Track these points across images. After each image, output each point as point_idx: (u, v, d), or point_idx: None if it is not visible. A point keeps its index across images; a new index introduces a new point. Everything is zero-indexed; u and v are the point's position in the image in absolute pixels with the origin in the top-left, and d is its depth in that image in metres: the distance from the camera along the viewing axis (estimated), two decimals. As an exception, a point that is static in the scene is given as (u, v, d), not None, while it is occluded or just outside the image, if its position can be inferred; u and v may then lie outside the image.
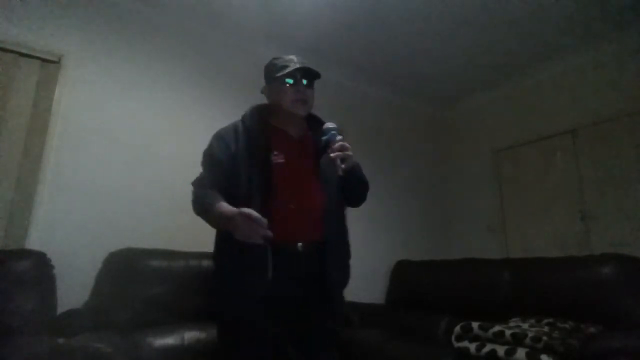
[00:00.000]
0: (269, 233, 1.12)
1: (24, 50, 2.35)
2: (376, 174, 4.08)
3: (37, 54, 2.39)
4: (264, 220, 1.11)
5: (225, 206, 1.19)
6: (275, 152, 1.32)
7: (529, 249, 3.47)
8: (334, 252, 1.30)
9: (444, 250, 3.98)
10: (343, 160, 1.25)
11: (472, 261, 2.99)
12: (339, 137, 1.29)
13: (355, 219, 3.50)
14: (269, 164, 1.29)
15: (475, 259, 3.00)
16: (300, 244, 1.26)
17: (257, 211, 1.14)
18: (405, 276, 3.46)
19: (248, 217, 1.10)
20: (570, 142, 3.43)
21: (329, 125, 1.33)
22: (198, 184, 1.36)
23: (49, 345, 1.45)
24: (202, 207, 1.28)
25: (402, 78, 3.87)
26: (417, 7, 2.84)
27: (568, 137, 3.44)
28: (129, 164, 2.60)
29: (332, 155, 1.25)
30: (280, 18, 2.96)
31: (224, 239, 1.29)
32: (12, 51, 2.32)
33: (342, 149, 1.25)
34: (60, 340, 1.48)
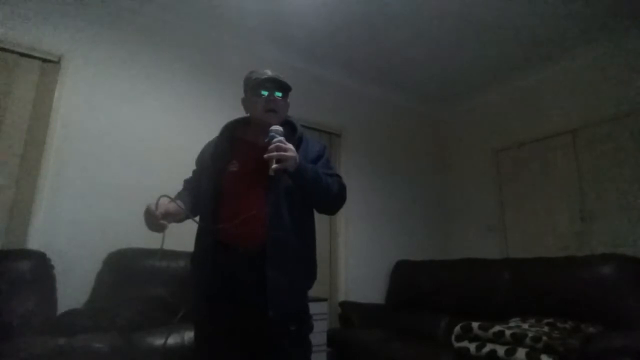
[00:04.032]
0: (163, 224, 1.29)
1: (24, 50, 2.35)
2: (376, 174, 4.11)
3: (37, 54, 2.39)
4: (157, 214, 1.27)
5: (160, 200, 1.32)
6: (234, 161, 1.39)
7: (529, 249, 3.47)
8: (277, 257, 1.28)
9: (444, 250, 3.98)
10: (279, 160, 1.24)
11: (472, 261, 2.99)
12: (277, 139, 1.28)
13: (355, 219, 3.54)
14: (221, 172, 1.37)
15: (475, 259, 3.01)
16: (241, 248, 1.30)
17: (208, 216, 1.31)
18: (405, 276, 3.46)
19: (147, 211, 1.30)
20: (570, 142, 3.43)
21: (272, 127, 1.34)
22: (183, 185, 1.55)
23: (49, 345, 1.45)
24: None
25: (402, 78, 3.87)
26: (417, 7, 2.84)
27: (568, 137, 3.44)
28: (128, 163, 2.60)
29: (264, 156, 1.24)
30: (280, 18, 2.96)
31: (195, 239, 1.41)
32: (12, 51, 2.32)
33: (276, 149, 1.25)
34: (60, 340, 1.48)
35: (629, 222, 2.95)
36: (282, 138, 1.29)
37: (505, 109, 3.95)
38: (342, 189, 1.46)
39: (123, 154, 2.59)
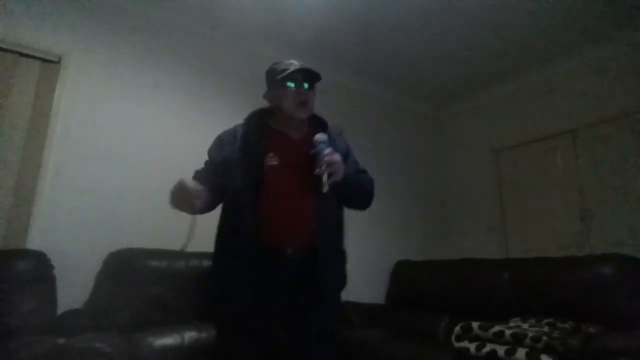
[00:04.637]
0: (197, 202, 1.18)
1: (24, 50, 2.35)
2: (376, 174, 4.08)
3: (37, 54, 2.39)
4: (193, 188, 1.17)
5: (184, 179, 1.23)
6: (271, 154, 1.31)
7: (529, 249, 3.47)
8: (326, 257, 1.27)
9: (444, 250, 3.98)
10: (331, 175, 1.22)
11: (472, 261, 2.99)
12: (326, 151, 1.24)
13: (355, 219, 3.51)
14: (261, 165, 1.28)
15: (475, 259, 3.00)
16: (289, 250, 1.24)
17: (247, 212, 1.20)
18: (405, 276, 3.46)
19: (181, 184, 1.18)
20: (570, 142, 3.42)
21: (318, 137, 1.30)
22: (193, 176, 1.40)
23: (49, 345, 1.45)
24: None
25: (402, 78, 3.87)
26: (417, 7, 2.84)
27: (568, 137, 3.44)
28: (129, 163, 2.60)
29: (316, 172, 1.22)
30: (280, 18, 2.96)
31: (222, 240, 1.31)
32: (12, 51, 2.32)
33: (328, 164, 1.22)
34: (60, 340, 1.48)
35: (629, 222, 2.95)
36: (330, 150, 1.26)
37: (505, 109, 3.95)
38: (373, 185, 1.49)
39: (123, 154, 2.59)
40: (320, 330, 1.28)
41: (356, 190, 1.40)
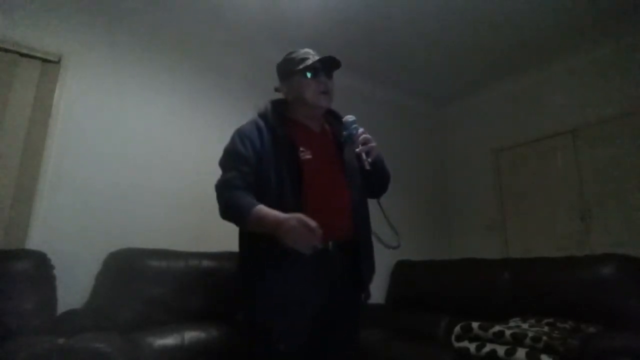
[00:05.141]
0: (319, 244, 1.08)
1: (24, 50, 2.35)
2: (376, 174, 4.10)
3: (37, 54, 2.39)
4: (320, 230, 1.06)
5: (267, 210, 1.14)
6: (302, 148, 1.28)
7: (529, 249, 3.47)
8: (365, 249, 1.29)
9: (444, 250, 3.98)
10: (368, 153, 1.24)
11: (472, 261, 2.99)
12: (360, 130, 1.27)
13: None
14: (297, 161, 1.25)
15: (475, 259, 3.00)
16: (331, 243, 1.22)
17: (290, 209, 1.13)
18: (405, 276, 3.46)
19: (305, 225, 1.06)
20: (570, 142, 3.43)
21: (349, 118, 1.33)
22: (225, 184, 1.26)
23: (49, 345, 1.45)
24: (234, 210, 1.20)
25: (402, 77, 3.86)
26: (417, 6, 2.84)
27: (568, 137, 3.44)
28: (129, 163, 2.59)
29: (357, 150, 1.24)
30: (280, 18, 2.96)
31: (260, 240, 1.20)
32: (12, 51, 2.32)
33: (365, 141, 1.24)
34: (60, 340, 1.48)
35: (629, 222, 2.95)
36: (363, 129, 1.29)
37: (505, 108, 3.95)
38: None
39: (123, 154, 2.59)
40: (354, 321, 1.32)
41: (384, 172, 1.42)
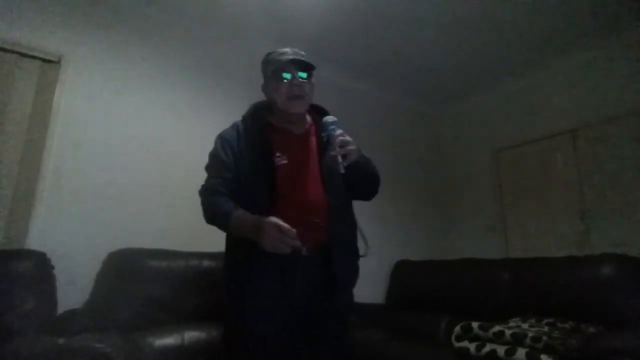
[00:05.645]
0: (298, 243, 1.11)
1: (24, 51, 2.35)
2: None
3: (37, 54, 2.39)
4: (293, 231, 1.09)
5: (245, 214, 1.17)
6: (278, 153, 1.27)
7: (529, 249, 3.47)
8: (340, 253, 1.25)
9: (444, 250, 3.98)
10: (345, 156, 1.18)
11: (472, 261, 2.99)
12: (338, 132, 1.21)
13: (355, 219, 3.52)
14: (271, 166, 1.24)
15: (475, 259, 3.00)
16: (305, 248, 1.20)
17: (263, 214, 1.13)
18: (405, 276, 3.46)
19: (278, 228, 1.08)
20: (570, 142, 3.43)
21: (328, 119, 1.26)
22: (208, 191, 1.29)
23: (49, 345, 1.45)
24: (217, 216, 1.23)
25: (402, 78, 3.86)
26: (417, 6, 2.84)
27: (568, 137, 3.44)
28: (128, 163, 2.60)
29: (332, 153, 1.19)
30: (280, 18, 2.96)
31: (236, 242, 1.24)
32: (12, 51, 2.32)
33: (342, 144, 1.18)
34: (60, 340, 1.48)
35: (629, 222, 2.95)
36: (342, 131, 1.22)
37: (505, 108, 3.95)
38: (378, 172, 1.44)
39: (123, 154, 2.59)
40: (335, 327, 1.27)
41: (368, 177, 1.35)
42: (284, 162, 1.26)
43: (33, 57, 2.38)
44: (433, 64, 3.62)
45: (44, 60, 2.42)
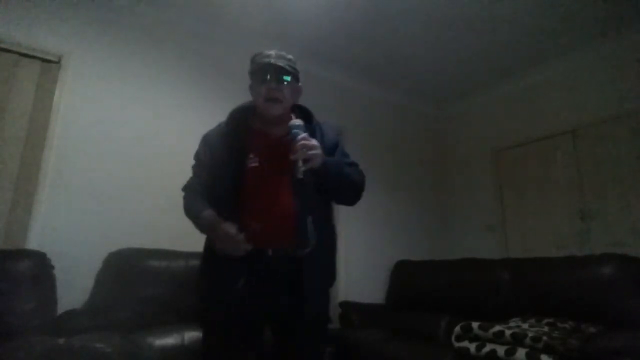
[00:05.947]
0: (248, 247, 1.15)
1: (24, 50, 2.35)
2: (376, 174, 4.11)
3: (37, 54, 2.39)
4: (241, 236, 1.14)
5: (209, 215, 1.22)
6: (251, 155, 1.27)
7: (529, 249, 3.47)
8: (310, 257, 1.23)
9: (444, 250, 3.98)
10: (307, 160, 1.16)
11: (472, 261, 2.99)
12: (300, 136, 1.19)
13: (355, 219, 3.53)
14: (242, 168, 1.26)
15: (475, 259, 3.00)
16: (271, 250, 1.22)
17: (228, 215, 1.18)
18: (405, 276, 3.46)
19: (226, 233, 1.14)
20: (570, 142, 3.43)
21: (294, 122, 1.25)
22: (187, 189, 1.38)
23: (49, 345, 1.45)
24: (189, 214, 1.31)
25: (402, 78, 3.87)
26: (417, 7, 2.84)
27: (568, 137, 3.44)
28: (128, 163, 2.60)
29: (291, 157, 1.17)
30: (280, 18, 2.96)
31: (208, 243, 1.30)
32: (12, 51, 2.32)
33: (303, 148, 1.16)
34: (60, 340, 1.48)
35: (629, 222, 2.95)
36: (305, 134, 1.20)
37: (505, 109, 3.95)
38: (362, 178, 1.41)
39: (123, 154, 2.59)
40: (306, 330, 1.26)
41: (340, 181, 1.31)
42: (255, 164, 1.27)
43: (33, 57, 2.39)
44: (433, 64, 3.62)
45: (44, 60, 2.43)
